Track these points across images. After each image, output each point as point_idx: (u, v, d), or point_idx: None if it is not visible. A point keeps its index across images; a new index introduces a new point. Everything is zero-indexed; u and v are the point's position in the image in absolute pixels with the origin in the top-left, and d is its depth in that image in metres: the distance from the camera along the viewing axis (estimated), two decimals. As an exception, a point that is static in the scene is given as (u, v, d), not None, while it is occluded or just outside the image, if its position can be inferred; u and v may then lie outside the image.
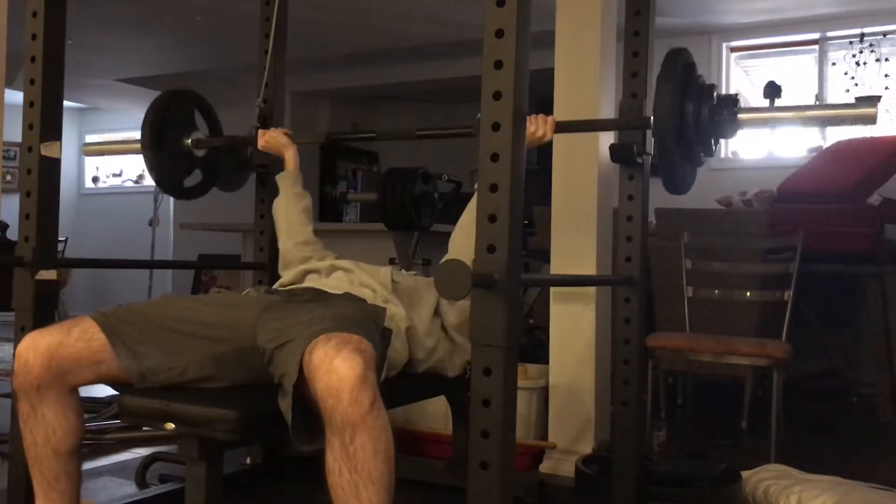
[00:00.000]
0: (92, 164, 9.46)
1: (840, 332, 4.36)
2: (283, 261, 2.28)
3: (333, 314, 1.59)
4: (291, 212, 2.32)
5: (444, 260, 1.97)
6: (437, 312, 2.01)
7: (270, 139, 2.41)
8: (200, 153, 2.52)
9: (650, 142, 2.13)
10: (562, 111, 2.74)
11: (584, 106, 2.70)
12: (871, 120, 1.70)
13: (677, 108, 1.80)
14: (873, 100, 1.74)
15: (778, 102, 5.54)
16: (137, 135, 2.43)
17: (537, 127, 1.94)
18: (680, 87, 1.81)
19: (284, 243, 2.29)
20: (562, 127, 2.05)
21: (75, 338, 1.59)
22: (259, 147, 2.45)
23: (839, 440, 3.61)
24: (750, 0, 5.25)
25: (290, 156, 2.39)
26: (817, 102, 5.67)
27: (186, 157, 2.49)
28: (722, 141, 6.36)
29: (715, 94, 1.85)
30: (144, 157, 2.42)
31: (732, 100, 1.84)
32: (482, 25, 1.31)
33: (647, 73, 2.09)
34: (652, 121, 1.84)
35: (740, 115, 1.83)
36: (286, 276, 2.12)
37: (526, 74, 1.32)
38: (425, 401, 2.61)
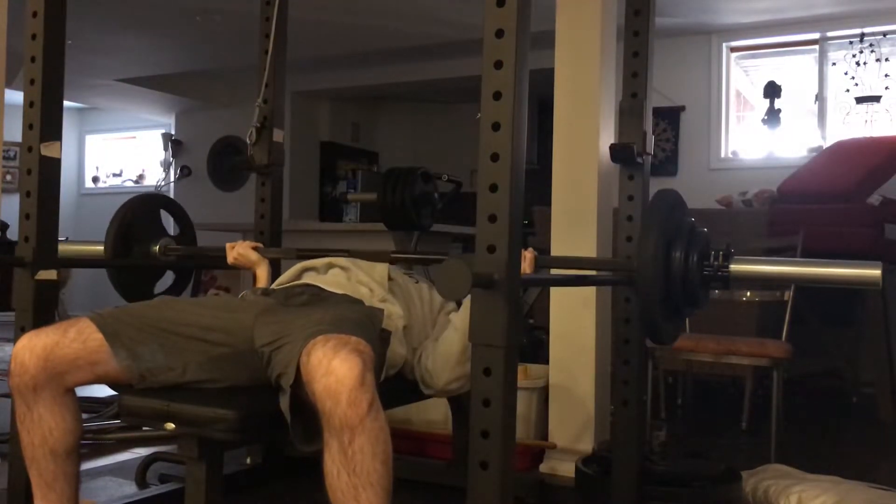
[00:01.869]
0: (92, 164, 9.46)
1: (840, 332, 4.36)
2: None
3: (331, 316, 1.58)
4: None
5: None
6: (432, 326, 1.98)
7: (239, 257, 2.27)
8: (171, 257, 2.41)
9: (650, 141, 2.14)
10: (562, 111, 2.75)
11: (584, 106, 2.70)
12: (875, 283, 1.57)
13: (662, 261, 1.64)
14: (876, 264, 1.63)
15: (778, 103, 5.58)
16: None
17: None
18: (666, 237, 1.67)
19: None
20: (542, 263, 1.96)
21: (71, 338, 1.58)
22: (228, 262, 2.29)
23: (839, 440, 3.61)
24: (750, 0, 5.25)
25: (262, 273, 2.23)
26: (816, 102, 5.68)
27: (154, 267, 2.39)
28: (722, 141, 6.30)
29: (708, 243, 1.72)
30: (108, 272, 2.32)
31: (725, 252, 1.71)
32: (482, 25, 1.31)
33: (647, 73, 2.09)
34: (636, 273, 1.69)
35: (733, 267, 1.69)
36: (283, 274, 2.12)
37: (526, 74, 1.32)
38: (425, 401, 2.61)
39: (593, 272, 2.45)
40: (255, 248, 2.29)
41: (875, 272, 1.58)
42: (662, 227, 1.67)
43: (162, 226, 2.48)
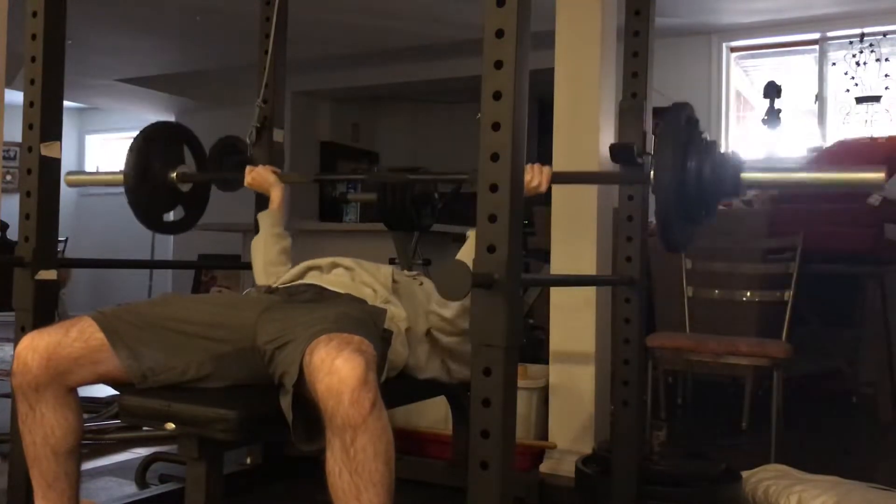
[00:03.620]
0: (92, 165, 9.46)
1: (840, 332, 4.36)
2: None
3: (334, 315, 1.58)
4: (269, 252, 2.27)
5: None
6: (427, 334, 1.97)
7: (257, 176, 2.37)
8: (185, 188, 2.43)
9: (650, 141, 2.14)
10: (562, 111, 2.75)
11: (584, 106, 2.70)
12: (878, 186, 1.64)
13: (679, 168, 1.71)
14: (880, 168, 1.67)
15: (778, 103, 5.58)
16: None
17: (533, 176, 1.87)
18: (682, 146, 1.72)
19: (259, 277, 2.26)
20: (559, 178, 1.98)
21: (74, 338, 1.58)
22: (245, 184, 2.38)
23: (839, 440, 3.61)
24: (750, 0, 5.25)
25: (276, 195, 2.33)
26: (816, 102, 5.68)
27: (170, 193, 2.41)
28: (722, 141, 6.34)
29: (719, 151, 1.77)
30: (126, 191, 2.34)
31: (736, 159, 1.76)
32: (482, 25, 1.31)
33: (647, 73, 2.09)
34: (652, 180, 1.75)
35: (744, 175, 1.74)
36: (287, 273, 2.12)
37: (526, 74, 1.32)
38: (425, 401, 2.61)
39: (593, 272, 2.46)
40: (273, 172, 2.37)
41: (878, 175, 1.62)
42: (677, 138, 1.73)
43: (181, 154, 2.48)
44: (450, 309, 1.88)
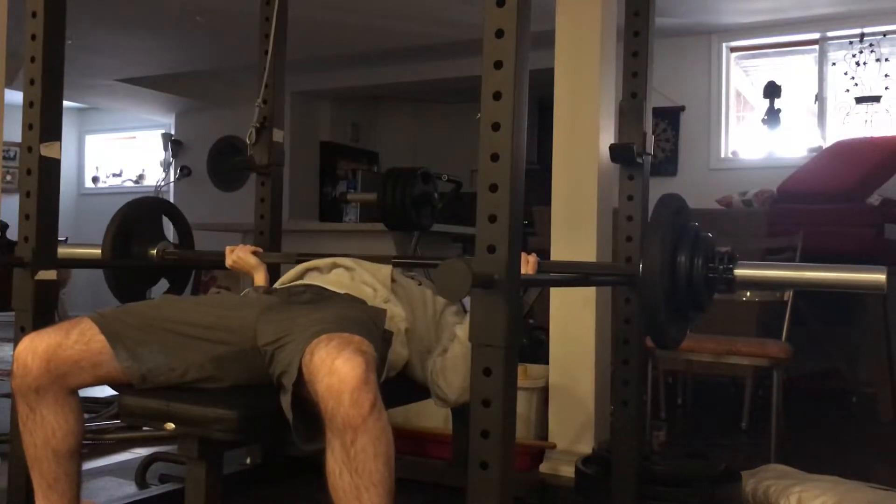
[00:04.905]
0: (92, 164, 9.46)
1: (840, 332, 4.36)
2: None
3: (334, 315, 1.58)
4: None
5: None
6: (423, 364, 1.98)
7: (238, 260, 2.25)
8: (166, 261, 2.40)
9: (650, 142, 2.13)
10: (562, 111, 2.75)
11: (584, 106, 2.70)
12: (879, 288, 1.56)
13: (668, 260, 1.65)
14: (880, 268, 1.60)
15: (778, 103, 5.58)
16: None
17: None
18: (671, 240, 1.67)
19: None
20: (546, 266, 1.97)
21: (74, 339, 1.58)
22: (227, 266, 2.28)
23: (839, 440, 3.61)
24: (750, 0, 5.25)
25: (260, 278, 2.21)
26: (816, 102, 5.68)
27: (151, 268, 2.39)
28: (722, 141, 6.34)
29: (713, 248, 1.73)
30: (104, 273, 2.32)
31: (731, 256, 1.71)
32: (482, 25, 1.31)
33: (647, 73, 2.09)
34: (640, 275, 1.68)
35: (737, 272, 1.70)
36: (286, 274, 2.12)
37: (526, 74, 1.32)
38: (425, 401, 2.61)
39: (593, 272, 2.45)
40: (254, 253, 2.27)
41: (879, 276, 1.56)
42: (666, 232, 1.67)
43: (161, 229, 2.47)
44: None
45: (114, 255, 2.30)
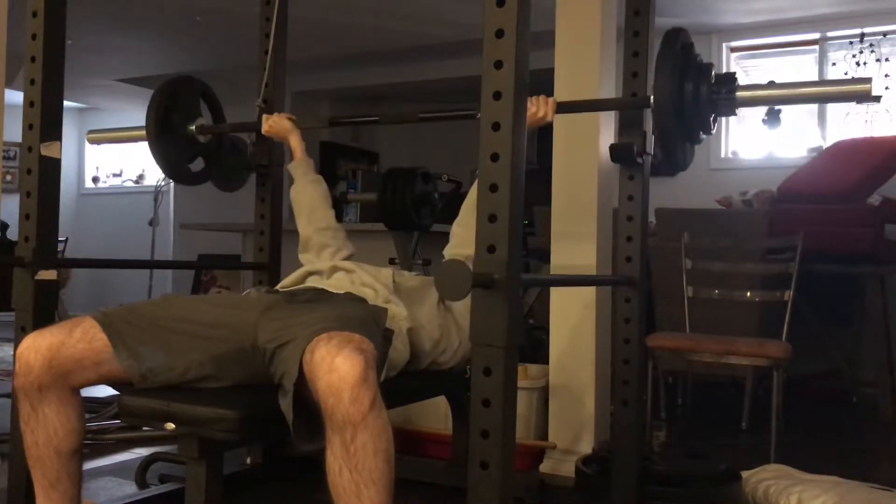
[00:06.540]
0: (92, 164, 9.46)
1: (840, 332, 4.36)
2: (303, 245, 2.30)
3: (335, 314, 1.59)
4: (314, 198, 2.33)
5: (447, 249, 2.01)
6: (440, 302, 2.01)
7: (274, 124, 2.43)
8: (203, 140, 2.50)
9: (650, 142, 2.13)
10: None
11: (584, 106, 2.70)
12: (867, 96, 1.73)
13: (676, 88, 1.82)
14: (868, 80, 1.76)
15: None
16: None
17: (538, 107, 1.95)
18: (679, 67, 1.83)
19: (305, 229, 2.31)
20: (563, 107, 2.06)
21: (77, 338, 1.58)
22: (263, 132, 2.45)
23: (839, 440, 3.61)
24: (750, 0, 5.25)
25: (296, 142, 2.40)
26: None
27: (190, 144, 2.48)
28: (722, 141, 6.34)
29: (713, 73, 1.88)
30: (149, 143, 2.40)
31: (730, 78, 1.87)
32: (482, 25, 1.31)
33: (647, 73, 2.09)
34: (651, 100, 1.87)
35: (738, 94, 1.85)
36: (288, 277, 2.12)
37: (526, 74, 1.32)
38: (425, 401, 2.61)
39: (593, 273, 2.46)
40: (289, 119, 2.43)
41: (865, 86, 1.72)
42: (674, 63, 1.82)
43: (199, 107, 2.53)
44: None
45: (157, 126, 2.38)
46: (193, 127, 2.47)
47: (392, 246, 3.90)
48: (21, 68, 1.97)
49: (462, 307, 1.97)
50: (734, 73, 1.90)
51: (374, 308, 1.82)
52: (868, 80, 1.72)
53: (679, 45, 1.85)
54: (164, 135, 2.40)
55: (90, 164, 9.48)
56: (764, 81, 5.63)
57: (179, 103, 2.45)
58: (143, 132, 2.39)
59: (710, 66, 1.88)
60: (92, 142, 2.65)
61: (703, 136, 1.96)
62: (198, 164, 2.58)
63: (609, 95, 2.73)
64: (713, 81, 1.86)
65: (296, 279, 2.08)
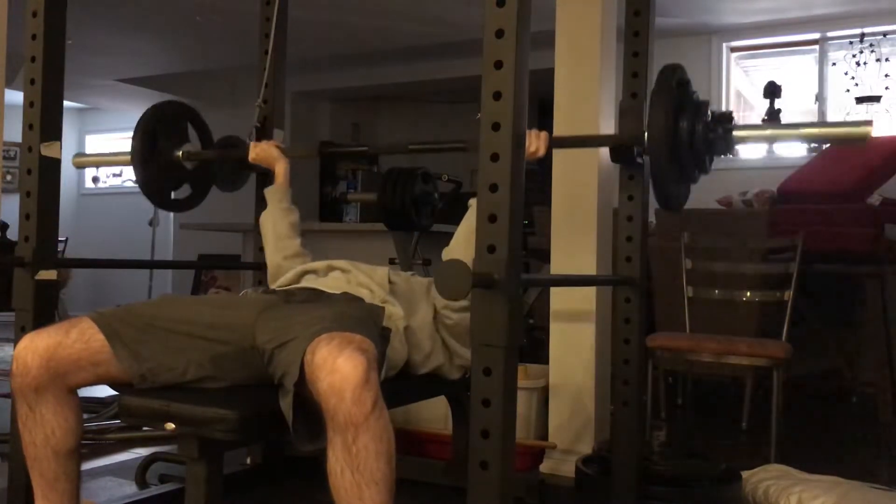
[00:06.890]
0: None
1: (840, 332, 4.36)
2: (273, 276, 2.27)
3: (333, 314, 1.59)
4: (279, 226, 2.30)
5: (444, 251, 2.00)
6: (434, 318, 1.99)
7: (262, 152, 2.40)
8: (190, 166, 2.46)
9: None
10: (562, 111, 2.75)
11: (584, 106, 2.70)
12: (864, 139, 1.69)
13: (671, 126, 1.78)
14: (869, 123, 1.74)
15: (778, 103, 5.58)
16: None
17: (530, 141, 1.91)
18: (674, 105, 1.80)
19: (273, 257, 2.28)
20: (556, 142, 2.02)
21: (74, 339, 1.58)
22: (250, 160, 2.41)
23: (839, 440, 3.61)
24: (750, 0, 5.25)
25: (281, 170, 2.37)
26: (816, 102, 5.68)
27: (176, 170, 2.44)
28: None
29: (709, 111, 1.85)
30: (134, 169, 2.37)
31: (727, 117, 1.83)
32: (482, 25, 1.31)
33: (647, 73, 2.09)
34: (646, 138, 1.83)
35: (735, 133, 1.83)
36: (283, 277, 2.12)
37: (526, 74, 1.32)
38: (425, 401, 2.61)
39: (593, 272, 2.45)
40: (277, 147, 2.41)
41: (866, 129, 1.69)
42: (670, 101, 1.80)
43: (186, 133, 2.51)
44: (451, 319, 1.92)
45: (143, 152, 2.35)
46: (180, 153, 2.44)
47: (392, 246, 3.89)
48: (21, 68, 1.97)
49: (459, 328, 1.97)
50: (731, 113, 1.86)
51: (372, 307, 1.82)
52: (869, 123, 1.69)
53: (675, 82, 1.82)
54: (148, 162, 2.36)
55: (90, 164, 9.48)
56: (763, 81, 5.65)
57: (166, 128, 2.42)
58: (129, 157, 2.36)
59: (706, 103, 1.86)
60: (78, 166, 2.61)
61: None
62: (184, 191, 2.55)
63: (609, 95, 2.73)
64: (709, 119, 1.82)
65: (291, 278, 2.07)
